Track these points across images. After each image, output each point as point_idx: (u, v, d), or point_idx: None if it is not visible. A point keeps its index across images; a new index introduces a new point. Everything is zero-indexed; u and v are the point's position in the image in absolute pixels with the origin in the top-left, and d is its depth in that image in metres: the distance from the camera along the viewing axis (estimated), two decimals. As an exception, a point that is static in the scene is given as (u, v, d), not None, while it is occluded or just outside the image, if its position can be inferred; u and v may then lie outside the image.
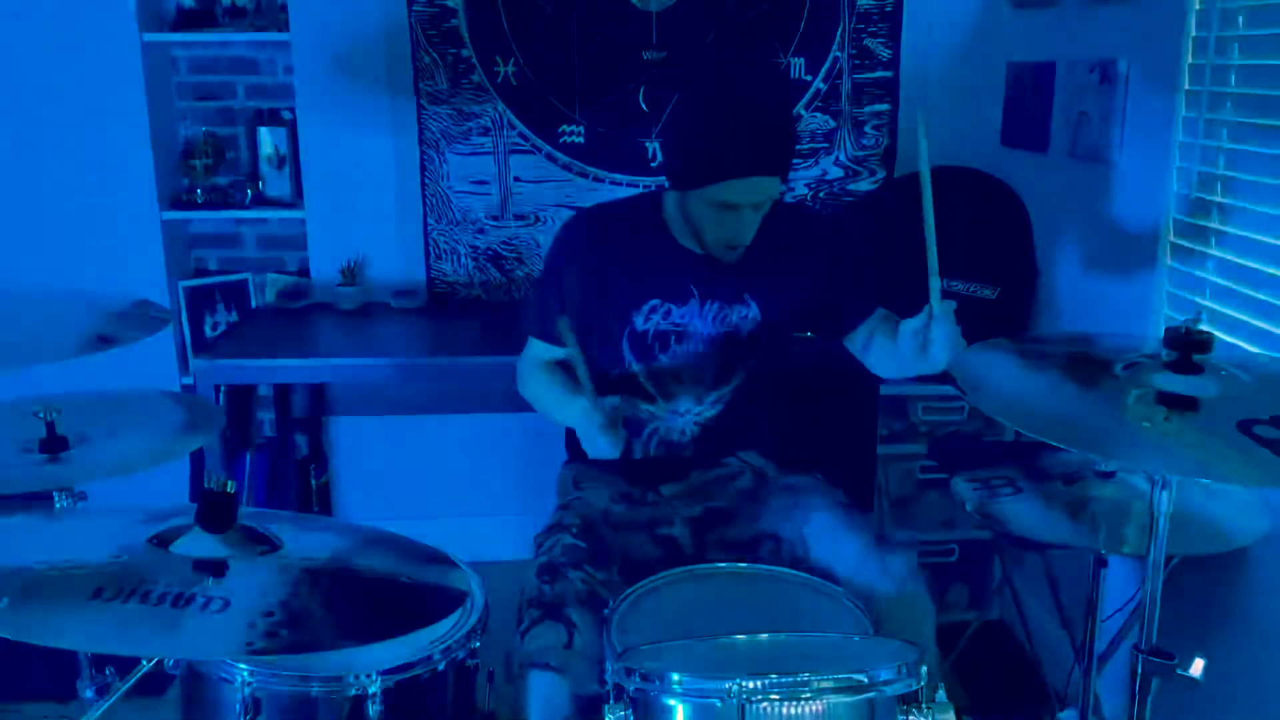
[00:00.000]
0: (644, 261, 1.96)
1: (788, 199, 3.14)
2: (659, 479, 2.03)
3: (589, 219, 2.05)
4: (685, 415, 2.01)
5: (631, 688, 1.33)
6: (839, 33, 3.10)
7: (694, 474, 2.04)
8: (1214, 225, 2.10)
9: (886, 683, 1.29)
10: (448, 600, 1.36)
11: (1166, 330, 1.43)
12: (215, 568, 1.26)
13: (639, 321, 1.95)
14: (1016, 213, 2.89)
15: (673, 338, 1.96)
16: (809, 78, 3.12)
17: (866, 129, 3.18)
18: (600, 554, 1.84)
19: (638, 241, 1.97)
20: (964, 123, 3.13)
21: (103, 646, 1.15)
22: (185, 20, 3.14)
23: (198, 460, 2.65)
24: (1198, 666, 1.45)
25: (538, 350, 2.04)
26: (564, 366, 1.98)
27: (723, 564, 1.76)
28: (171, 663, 1.46)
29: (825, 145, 3.17)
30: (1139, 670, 1.48)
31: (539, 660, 1.61)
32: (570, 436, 2.17)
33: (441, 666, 1.51)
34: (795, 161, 2.87)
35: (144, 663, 1.41)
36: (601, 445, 1.82)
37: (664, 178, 2.00)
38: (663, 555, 1.90)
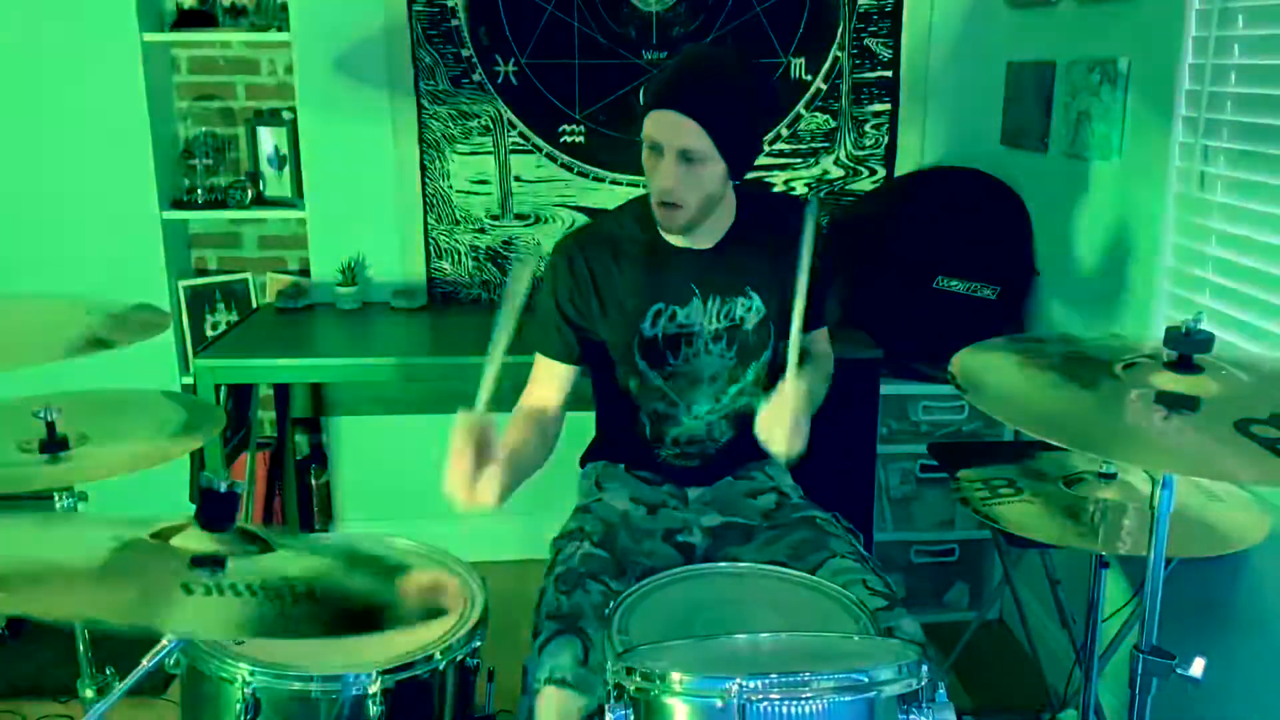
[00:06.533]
0: (642, 268, 1.95)
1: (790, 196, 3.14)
2: (688, 482, 2.03)
3: (581, 237, 2.04)
4: (707, 417, 2.01)
5: (632, 688, 1.33)
6: (839, 33, 3.10)
7: (726, 480, 2.04)
8: (1214, 225, 2.10)
9: (886, 683, 1.29)
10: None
11: (1166, 330, 1.43)
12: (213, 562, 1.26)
13: (646, 328, 1.95)
14: (1016, 213, 2.89)
15: (682, 340, 1.95)
16: (809, 78, 3.13)
17: (866, 129, 3.18)
18: (619, 563, 1.84)
19: (632, 250, 1.96)
20: (964, 123, 3.13)
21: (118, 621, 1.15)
22: (185, 20, 3.14)
23: (198, 460, 2.65)
24: (1198, 666, 1.45)
25: (539, 366, 2.02)
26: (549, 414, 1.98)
27: (723, 564, 1.76)
28: (172, 661, 1.46)
29: (825, 145, 3.18)
30: (1139, 670, 1.48)
31: (554, 677, 1.60)
32: (595, 445, 2.16)
33: (442, 666, 1.51)
34: (795, 160, 2.86)
35: (144, 662, 1.41)
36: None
37: None
38: (677, 560, 1.90)
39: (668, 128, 1.80)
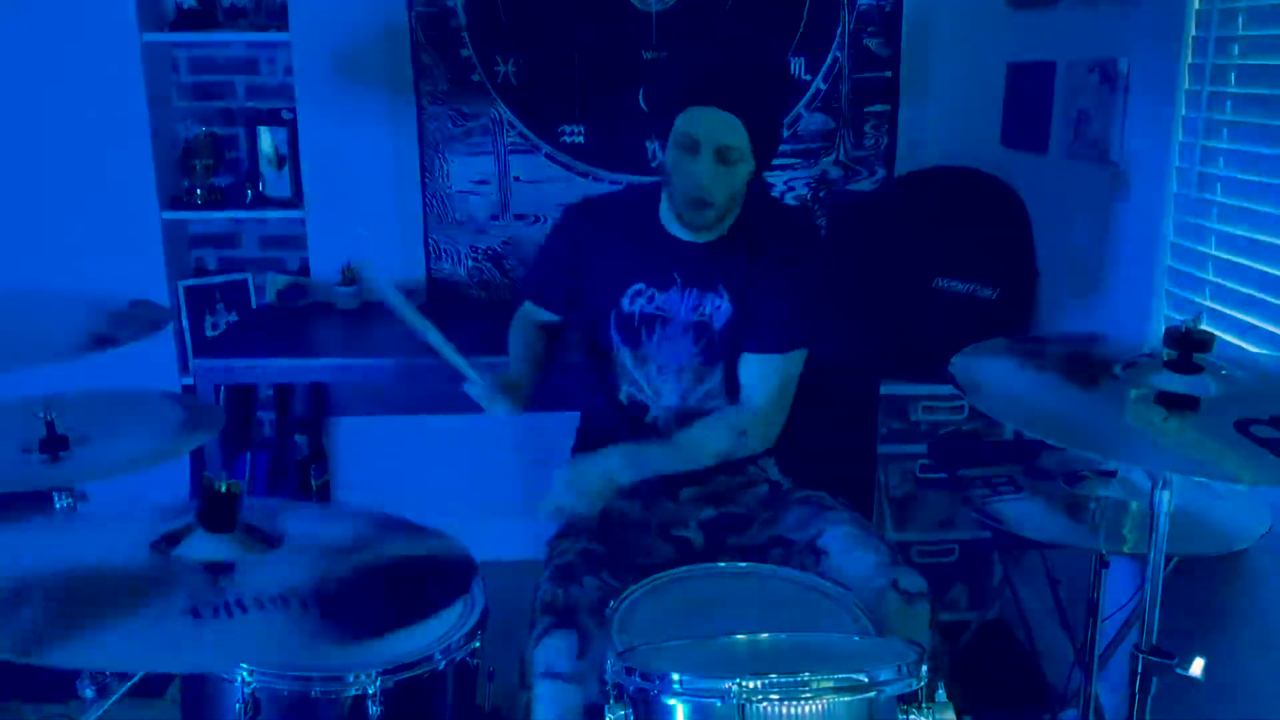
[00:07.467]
0: (632, 245, 2.00)
1: (788, 200, 3.14)
2: (678, 483, 2.03)
3: (588, 204, 2.13)
4: (680, 411, 2.01)
5: (631, 688, 1.33)
6: (839, 33, 3.10)
7: (719, 479, 2.05)
8: (1214, 225, 2.10)
9: (886, 683, 1.29)
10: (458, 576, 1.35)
11: (1166, 330, 1.43)
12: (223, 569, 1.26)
13: (625, 303, 1.99)
14: (1016, 213, 2.89)
15: (657, 323, 1.98)
16: (809, 78, 3.12)
17: (866, 129, 3.18)
18: (616, 558, 1.84)
19: (628, 226, 2.01)
20: (964, 123, 3.13)
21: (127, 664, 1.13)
22: (185, 20, 3.14)
23: (198, 460, 2.65)
24: (1198, 666, 1.45)
25: (527, 310, 2.19)
26: (543, 330, 2.15)
27: (723, 564, 1.76)
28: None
29: (825, 145, 3.18)
30: (1139, 670, 1.48)
31: (551, 669, 1.60)
32: (580, 439, 2.17)
33: (442, 666, 1.51)
34: (795, 160, 2.87)
35: (144, 663, 1.41)
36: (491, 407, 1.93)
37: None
38: (675, 556, 1.90)
39: (708, 123, 1.79)
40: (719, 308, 1.97)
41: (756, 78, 1.82)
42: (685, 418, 2.02)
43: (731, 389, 2.02)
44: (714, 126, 1.79)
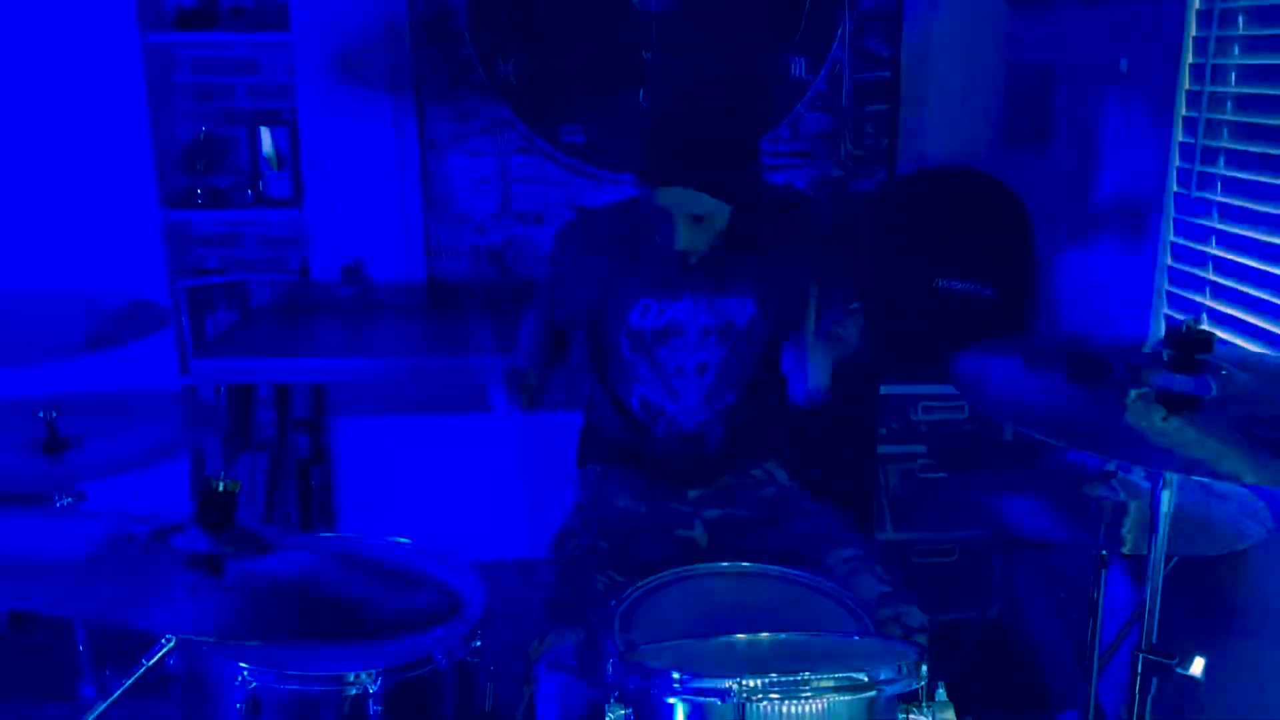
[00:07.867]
0: (635, 262, 1.98)
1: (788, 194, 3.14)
2: (686, 483, 2.03)
3: (582, 223, 2.14)
4: (696, 414, 2.01)
5: (631, 686, 1.33)
6: (839, 33, 3.10)
7: (724, 478, 2.05)
8: (1214, 225, 2.10)
9: (886, 682, 1.29)
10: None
11: (1167, 330, 1.43)
12: (212, 564, 1.26)
13: (633, 320, 1.97)
14: (1016, 213, 2.89)
15: (670, 333, 1.97)
16: (809, 78, 3.12)
17: (866, 129, 3.18)
18: (621, 556, 1.84)
19: (629, 243, 1.99)
20: (964, 123, 3.13)
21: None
22: (186, 20, 3.14)
23: (198, 460, 2.65)
24: (1198, 666, 1.45)
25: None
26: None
27: (725, 564, 1.76)
28: (172, 661, 1.46)
29: (825, 145, 3.17)
30: (1139, 670, 1.48)
31: (556, 664, 1.60)
32: (584, 438, 2.17)
33: (442, 666, 1.51)
34: (795, 160, 2.87)
35: (144, 662, 1.41)
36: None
37: None
38: (680, 556, 1.90)
39: (675, 200, 1.82)
40: (743, 309, 1.97)
41: (715, 144, 1.81)
42: (700, 425, 2.02)
43: (757, 386, 2.01)
44: (682, 201, 1.81)
